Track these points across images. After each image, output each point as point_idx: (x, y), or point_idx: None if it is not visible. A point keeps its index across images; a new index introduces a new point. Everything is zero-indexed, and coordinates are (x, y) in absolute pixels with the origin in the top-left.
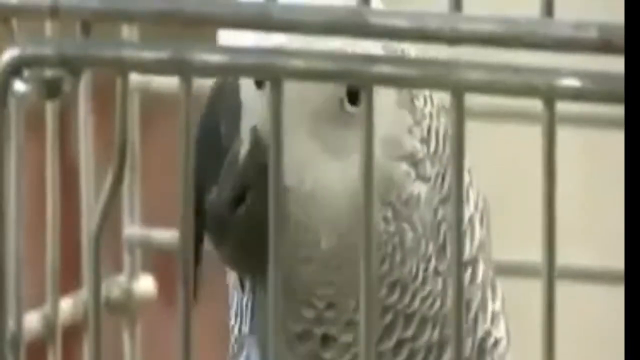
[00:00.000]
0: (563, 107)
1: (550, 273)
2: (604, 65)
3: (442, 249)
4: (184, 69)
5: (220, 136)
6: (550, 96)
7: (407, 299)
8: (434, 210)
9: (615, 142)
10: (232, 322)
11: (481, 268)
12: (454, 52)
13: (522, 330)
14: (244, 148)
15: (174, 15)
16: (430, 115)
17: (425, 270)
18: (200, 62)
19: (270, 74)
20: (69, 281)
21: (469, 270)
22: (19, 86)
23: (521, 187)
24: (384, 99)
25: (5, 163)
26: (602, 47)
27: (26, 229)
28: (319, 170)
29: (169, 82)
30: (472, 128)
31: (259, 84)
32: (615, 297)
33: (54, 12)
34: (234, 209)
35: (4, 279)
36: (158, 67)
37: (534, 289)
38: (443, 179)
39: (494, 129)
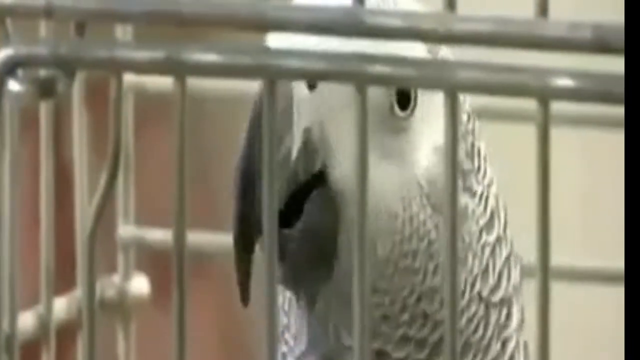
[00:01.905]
0: (560, 107)
1: (545, 273)
2: (598, 66)
3: (484, 273)
4: (178, 69)
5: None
6: (544, 96)
7: (436, 306)
8: (480, 229)
9: (612, 142)
10: (290, 343)
11: (516, 311)
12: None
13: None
14: (295, 149)
15: (168, 15)
16: (473, 132)
17: (471, 290)
18: (194, 62)
19: (264, 74)
20: (63, 281)
21: (505, 310)
22: (13, 86)
23: (517, 187)
24: (437, 108)
25: None
26: (596, 47)
27: (20, 228)
28: (374, 177)
29: (163, 82)
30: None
31: (311, 86)
32: (612, 297)
33: (49, 12)
34: (287, 220)
35: None
36: (152, 68)
37: (530, 289)
38: (486, 200)
39: (489, 128)
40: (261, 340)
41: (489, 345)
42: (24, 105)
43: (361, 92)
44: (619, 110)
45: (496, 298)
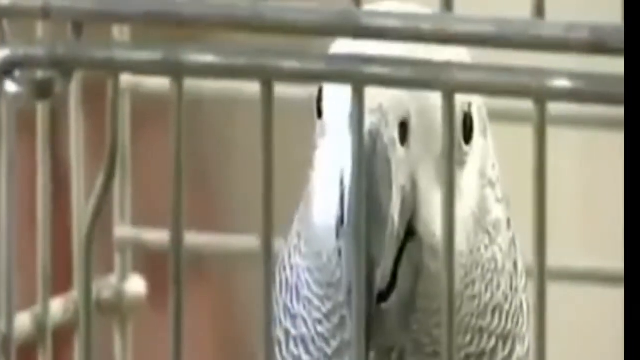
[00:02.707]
0: (558, 107)
1: (541, 273)
2: (595, 66)
3: (515, 265)
4: (175, 70)
5: (380, 203)
6: (541, 97)
7: (503, 321)
8: (506, 226)
9: (610, 142)
10: None
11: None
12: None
13: None
14: (396, 212)
15: (165, 16)
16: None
17: (510, 288)
18: (191, 62)
19: (261, 75)
20: (60, 282)
21: (508, 346)
22: (10, 87)
23: (514, 187)
24: (477, 132)
25: None
26: (593, 48)
27: (17, 229)
28: (439, 214)
29: (160, 83)
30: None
31: (402, 140)
32: (611, 298)
33: (46, 13)
34: (391, 287)
35: None
36: (149, 68)
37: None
38: (508, 223)
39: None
40: (259, 341)
41: (525, 334)
42: (21, 106)
43: (359, 93)
44: (616, 111)
45: (522, 331)
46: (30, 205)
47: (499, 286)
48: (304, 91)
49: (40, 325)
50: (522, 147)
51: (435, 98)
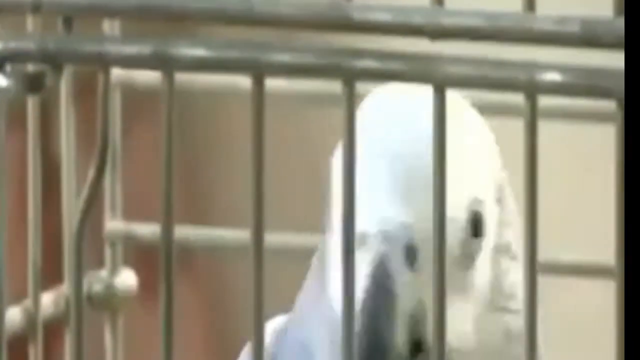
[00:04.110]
0: (548, 101)
1: (532, 267)
2: (587, 60)
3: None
4: (166, 64)
5: (383, 337)
6: (531, 90)
7: None
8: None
9: (602, 136)
10: None
11: None
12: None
13: None
14: (400, 337)
15: (155, 10)
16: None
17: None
18: (182, 56)
19: (253, 69)
20: (50, 276)
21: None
22: (0, 81)
23: (510, 182)
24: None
25: None
26: (584, 41)
27: (7, 223)
28: (456, 322)
29: (151, 77)
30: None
31: (411, 263)
32: (600, 291)
33: (36, 7)
34: None
35: None
36: (140, 62)
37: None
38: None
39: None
40: (249, 335)
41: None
42: (11, 100)
43: (349, 87)
44: (607, 105)
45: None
46: (20, 199)
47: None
48: (296, 84)
49: (30, 319)
50: (511, 140)
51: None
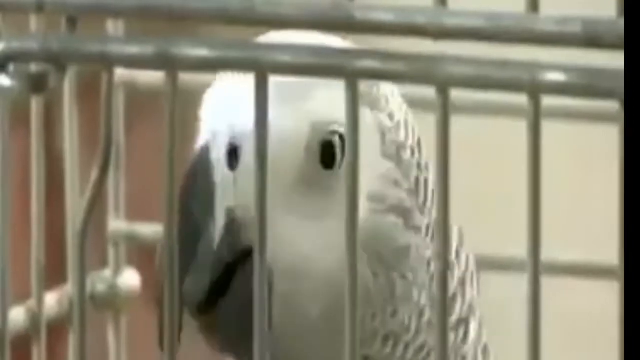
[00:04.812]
0: (551, 101)
1: (536, 268)
2: (590, 61)
3: (434, 301)
4: (169, 64)
5: (196, 222)
6: (535, 90)
7: (400, 351)
8: (428, 261)
9: (605, 136)
10: None
11: (473, 328)
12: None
13: (506, 326)
14: (219, 231)
15: (158, 10)
16: (419, 166)
17: (419, 321)
18: (185, 56)
19: (255, 68)
20: (54, 276)
21: (462, 330)
22: (4, 81)
23: (509, 181)
24: (368, 150)
25: None
26: (586, 42)
27: (11, 223)
28: (299, 241)
29: (155, 77)
30: (458, 123)
31: (232, 165)
32: (603, 292)
33: (40, 7)
34: (215, 298)
35: None
36: (143, 62)
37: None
38: (433, 233)
39: (482, 123)
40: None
41: None
42: (15, 100)
43: (352, 87)
44: (610, 105)
45: (452, 321)
46: (24, 199)
47: (395, 314)
48: None
49: (34, 319)
50: (513, 142)
51: (279, 124)
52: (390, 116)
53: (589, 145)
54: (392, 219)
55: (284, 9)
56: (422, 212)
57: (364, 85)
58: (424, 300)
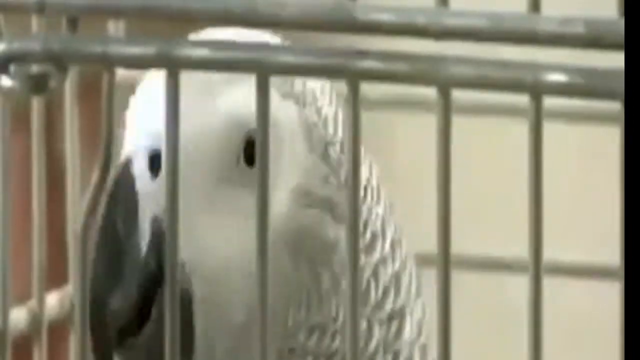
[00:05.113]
0: (553, 102)
1: (537, 268)
2: (592, 61)
3: (365, 294)
4: (171, 64)
5: (119, 236)
6: (537, 91)
7: (326, 341)
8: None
9: (607, 137)
10: None
11: (409, 326)
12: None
13: (506, 325)
14: (144, 242)
15: (159, 10)
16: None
17: (337, 309)
18: (186, 57)
19: (257, 69)
20: (55, 276)
21: (395, 324)
22: (5, 81)
23: (511, 182)
24: (295, 146)
25: None
26: (588, 42)
27: (12, 224)
28: (221, 242)
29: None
30: (460, 123)
31: (154, 173)
32: (605, 293)
33: (41, 8)
34: (143, 313)
35: None
36: (144, 63)
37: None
38: (365, 226)
39: (484, 124)
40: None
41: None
42: (16, 100)
43: (354, 87)
44: (612, 106)
45: (382, 315)
46: (25, 199)
47: (320, 306)
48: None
49: (35, 320)
50: (514, 142)
51: (198, 122)
52: (318, 112)
53: (591, 145)
54: (318, 213)
55: (286, 9)
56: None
57: (281, 81)
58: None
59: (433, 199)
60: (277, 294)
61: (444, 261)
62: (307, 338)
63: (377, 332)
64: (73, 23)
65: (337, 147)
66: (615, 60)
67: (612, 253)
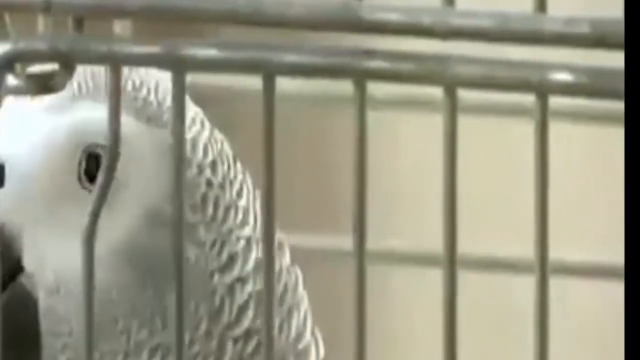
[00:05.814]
0: (559, 102)
1: (543, 269)
2: (598, 61)
3: (217, 313)
4: (177, 64)
5: None
6: (542, 90)
7: None
8: (210, 274)
9: (613, 137)
10: None
11: (285, 328)
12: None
13: (511, 326)
14: None
15: (166, 10)
16: (209, 183)
17: (195, 332)
18: (193, 57)
19: (263, 69)
20: None
21: (252, 342)
22: (11, 81)
23: (516, 182)
24: (145, 165)
25: None
26: (594, 42)
27: None
28: (62, 255)
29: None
30: (464, 123)
31: (1, 184)
32: (610, 293)
33: (47, 7)
34: None
35: None
36: (151, 63)
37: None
38: (222, 246)
39: (489, 124)
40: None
41: None
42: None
43: (360, 87)
44: (618, 106)
45: (236, 333)
46: None
47: (165, 327)
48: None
49: None
50: (520, 142)
51: (42, 138)
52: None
53: (597, 145)
54: (170, 234)
55: (292, 9)
56: (208, 227)
57: (134, 101)
58: (201, 312)
59: (438, 198)
60: (118, 311)
61: (450, 261)
62: (149, 358)
63: (231, 350)
64: (79, 23)
65: (195, 169)
66: (621, 60)
67: (618, 253)
